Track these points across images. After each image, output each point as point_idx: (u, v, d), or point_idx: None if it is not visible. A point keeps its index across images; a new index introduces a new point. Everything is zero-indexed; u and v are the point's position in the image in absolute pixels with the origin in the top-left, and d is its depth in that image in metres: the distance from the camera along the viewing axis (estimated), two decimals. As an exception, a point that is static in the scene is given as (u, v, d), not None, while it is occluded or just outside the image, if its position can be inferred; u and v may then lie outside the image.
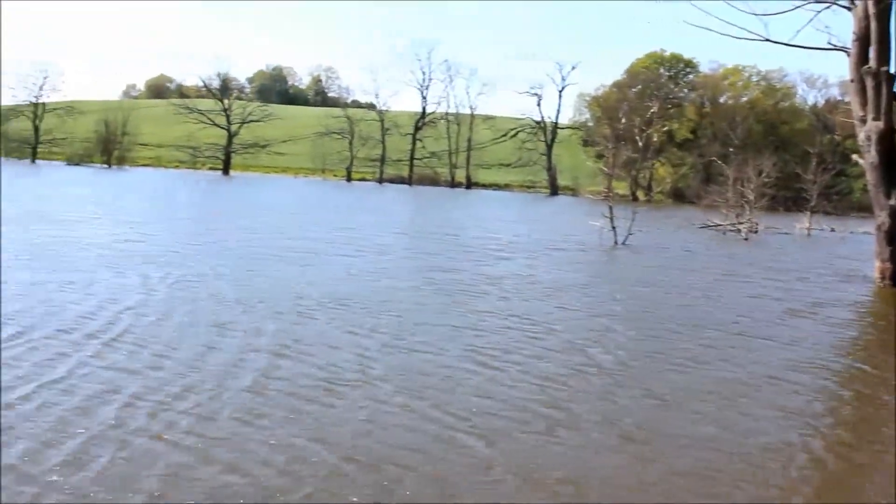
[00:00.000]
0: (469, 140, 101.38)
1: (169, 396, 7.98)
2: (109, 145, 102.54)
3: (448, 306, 14.48)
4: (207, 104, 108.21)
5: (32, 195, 37.69)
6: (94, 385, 8.19)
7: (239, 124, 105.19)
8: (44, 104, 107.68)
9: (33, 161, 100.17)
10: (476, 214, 45.81)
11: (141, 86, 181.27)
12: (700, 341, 12.59)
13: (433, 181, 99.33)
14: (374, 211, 44.08)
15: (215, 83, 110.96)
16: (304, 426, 7.39)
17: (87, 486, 5.83)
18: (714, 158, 69.74)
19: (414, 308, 14.07)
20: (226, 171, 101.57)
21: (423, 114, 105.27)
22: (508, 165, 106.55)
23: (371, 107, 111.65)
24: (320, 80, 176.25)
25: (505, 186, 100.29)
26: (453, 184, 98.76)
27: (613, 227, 29.30)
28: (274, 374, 9.05)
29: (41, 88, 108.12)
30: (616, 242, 28.44)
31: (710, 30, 20.84)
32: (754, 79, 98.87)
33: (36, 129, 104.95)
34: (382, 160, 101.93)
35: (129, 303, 12.64)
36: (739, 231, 39.23)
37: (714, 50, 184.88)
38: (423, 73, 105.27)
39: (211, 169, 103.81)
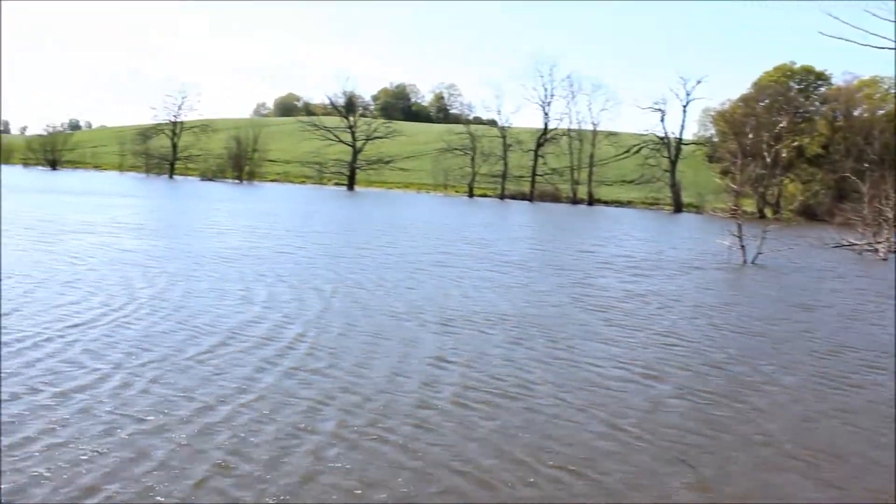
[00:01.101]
0: (591, 156, 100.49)
1: (379, 403, 8.45)
2: (241, 161, 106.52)
3: (603, 322, 14.71)
4: (333, 121, 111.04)
5: (200, 209, 39.61)
6: (311, 392, 8.75)
7: (364, 141, 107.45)
8: (181, 123, 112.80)
9: (171, 176, 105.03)
10: (604, 231, 45.55)
11: (270, 104, 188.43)
12: (873, 363, 12.34)
13: (554, 197, 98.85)
14: (503, 227, 44.44)
15: (341, 101, 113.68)
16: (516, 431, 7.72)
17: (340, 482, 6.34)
18: (848, 174, 67.21)
19: (570, 323, 14.31)
20: (350, 186, 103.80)
21: (545, 130, 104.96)
22: (631, 182, 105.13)
23: (493, 123, 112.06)
24: (442, 97, 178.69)
25: (627, 203, 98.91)
26: (575, 200, 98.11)
27: (742, 246, 28.68)
28: (472, 387, 9.46)
29: (180, 108, 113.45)
30: (745, 261, 27.77)
31: (849, 40, 19.86)
32: (893, 90, 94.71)
33: (174, 146, 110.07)
34: (504, 176, 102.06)
35: (309, 316, 13.37)
36: (877, 251, 37.66)
37: (848, 60, 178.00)
38: (545, 90, 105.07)
39: (336, 184, 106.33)
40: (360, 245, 26.17)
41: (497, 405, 8.82)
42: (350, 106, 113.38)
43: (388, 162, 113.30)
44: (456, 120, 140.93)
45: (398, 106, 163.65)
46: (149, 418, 7.51)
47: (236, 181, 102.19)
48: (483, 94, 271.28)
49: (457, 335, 12.44)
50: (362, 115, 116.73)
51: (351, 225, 36.88)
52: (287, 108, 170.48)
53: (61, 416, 7.38)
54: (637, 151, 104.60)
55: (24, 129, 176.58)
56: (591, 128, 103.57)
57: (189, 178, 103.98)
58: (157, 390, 8.35)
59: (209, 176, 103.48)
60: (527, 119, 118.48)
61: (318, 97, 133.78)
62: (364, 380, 9.26)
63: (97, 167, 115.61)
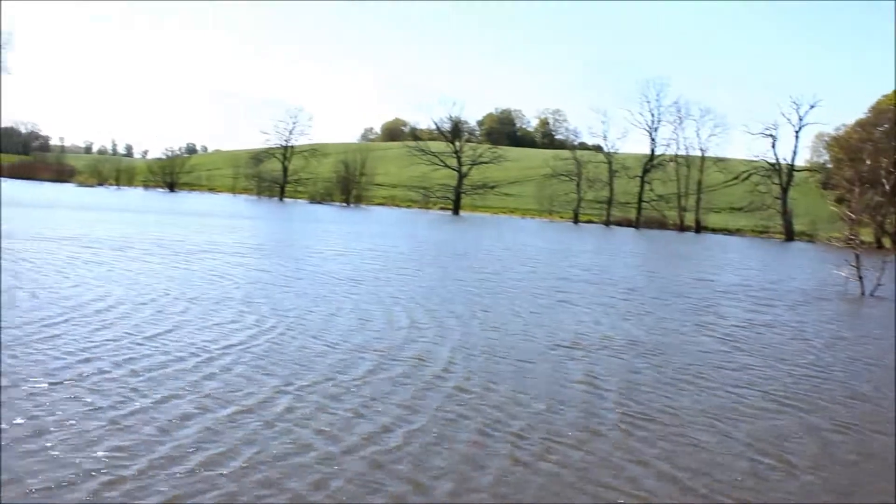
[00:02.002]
0: (699, 183, 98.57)
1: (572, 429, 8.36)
2: (348, 185, 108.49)
3: (734, 349, 14.33)
4: (439, 146, 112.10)
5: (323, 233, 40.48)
6: (477, 416, 8.71)
7: (469, 166, 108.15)
8: (292, 147, 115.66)
9: (281, 199, 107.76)
10: (717, 259, 44.47)
11: (377, 129, 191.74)
12: None
13: (661, 224, 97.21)
14: (614, 253, 43.92)
15: (447, 126, 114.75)
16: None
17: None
18: (971, 203, 64.00)
19: (701, 350, 13.94)
20: (456, 210, 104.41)
21: (652, 156, 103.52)
22: (739, 209, 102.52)
23: (598, 148, 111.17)
24: (548, 123, 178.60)
25: (735, 231, 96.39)
26: (682, 227, 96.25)
27: (860, 277, 27.40)
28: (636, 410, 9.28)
29: (290, 133, 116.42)
30: (864, 293, 26.50)
31: None
32: None
33: (284, 169, 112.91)
34: (610, 202, 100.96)
35: (452, 340, 13.33)
36: None
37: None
38: (652, 115, 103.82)
39: (441, 208, 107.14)
40: (479, 269, 26.15)
41: (653, 430, 8.71)
42: (456, 131, 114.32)
43: (493, 187, 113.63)
44: (561, 145, 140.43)
45: (503, 131, 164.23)
46: (318, 446, 7.45)
47: (344, 204, 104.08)
48: (589, 120, 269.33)
49: (598, 361, 12.27)
50: (468, 141, 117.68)
51: (464, 249, 36.93)
52: (394, 132, 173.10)
53: (238, 437, 7.40)
54: (746, 178, 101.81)
55: (145, 152, 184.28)
56: (698, 153, 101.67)
57: (298, 200, 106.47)
58: (323, 416, 8.32)
59: (318, 199, 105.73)
60: (633, 145, 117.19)
61: (424, 122, 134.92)
62: (522, 407, 9.15)
63: (211, 189, 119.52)
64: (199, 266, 21.19)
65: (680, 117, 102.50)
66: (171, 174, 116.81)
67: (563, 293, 21.09)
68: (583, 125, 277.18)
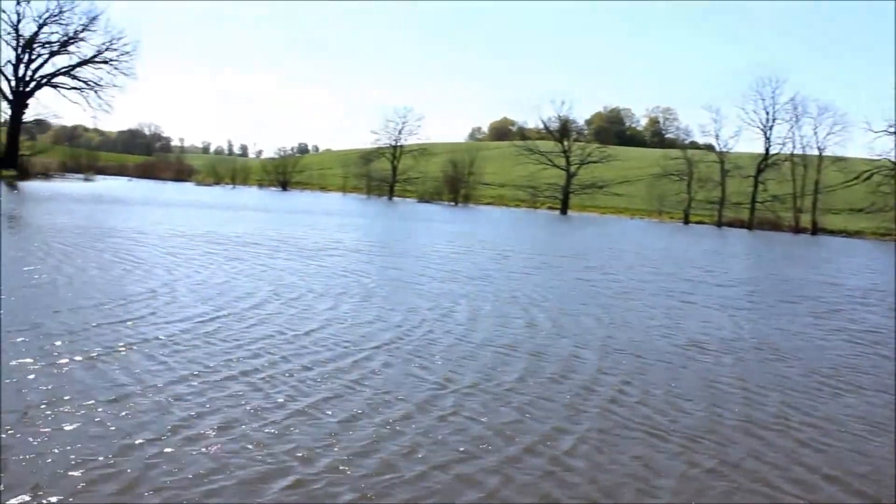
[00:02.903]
0: (816, 183, 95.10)
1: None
2: (457, 184, 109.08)
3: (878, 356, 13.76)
4: (548, 145, 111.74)
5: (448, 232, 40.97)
6: (643, 423, 8.64)
7: (577, 165, 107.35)
8: (401, 147, 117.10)
9: (390, 198, 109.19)
10: (840, 262, 42.86)
11: (485, 128, 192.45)
12: None
13: (775, 226, 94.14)
14: (731, 254, 42.86)
15: (555, 125, 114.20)
16: None
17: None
18: None
19: (842, 356, 13.45)
20: (564, 210, 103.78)
21: (767, 155, 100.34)
22: (860, 210, 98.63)
23: (710, 148, 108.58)
24: (657, 121, 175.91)
25: (855, 233, 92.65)
26: (797, 229, 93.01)
27: None
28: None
29: (400, 133, 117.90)
30: None
31: None
32: None
33: (394, 169, 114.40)
34: (722, 203, 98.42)
35: (595, 342, 13.17)
36: None
37: None
38: (767, 113, 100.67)
39: (549, 208, 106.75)
40: (600, 270, 25.93)
41: (814, 435, 8.54)
42: (564, 130, 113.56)
43: (601, 186, 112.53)
44: (671, 144, 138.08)
45: (612, 130, 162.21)
46: (497, 445, 7.41)
47: (452, 203, 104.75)
48: (700, 118, 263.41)
49: (739, 362, 11.99)
50: (576, 140, 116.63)
51: (582, 250, 36.72)
52: (502, 132, 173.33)
53: (415, 434, 7.45)
54: (868, 178, 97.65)
55: (259, 153, 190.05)
56: (816, 152, 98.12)
57: (407, 199, 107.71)
58: (491, 417, 8.29)
59: (426, 198, 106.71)
60: (747, 144, 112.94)
61: (532, 121, 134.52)
62: (682, 410, 9.03)
63: (322, 188, 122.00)
64: (329, 263, 21.63)
65: (796, 115, 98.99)
66: (284, 173, 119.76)
67: (688, 294, 20.71)
68: (694, 123, 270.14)
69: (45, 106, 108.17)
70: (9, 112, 79.83)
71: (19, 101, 79.64)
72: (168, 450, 6.54)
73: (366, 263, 22.53)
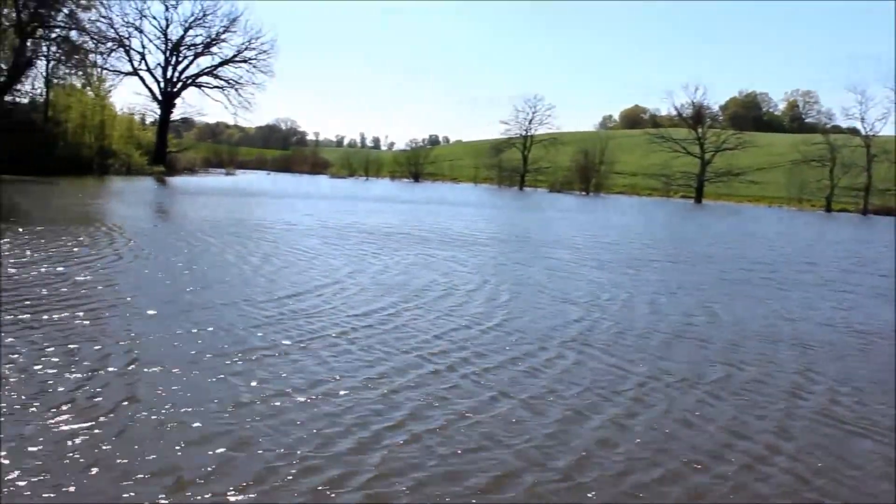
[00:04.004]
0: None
1: None
2: (588, 173, 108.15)
3: None
4: (681, 133, 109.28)
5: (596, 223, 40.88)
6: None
7: (712, 152, 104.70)
8: (532, 136, 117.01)
9: (521, 188, 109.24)
10: None
11: (616, 117, 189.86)
12: None
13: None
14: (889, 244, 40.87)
15: (689, 112, 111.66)
16: None
17: None
18: None
19: None
20: (698, 199, 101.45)
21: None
22: None
23: (855, 131, 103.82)
24: (797, 106, 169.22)
25: None
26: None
27: None
28: None
29: (530, 122, 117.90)
30: None
31: None
32: None
33: (524, 159, 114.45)
34: (867, 190, 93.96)
35: (787, 332, 12.67)
36: None
37: None
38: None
39: (683, 197, 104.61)
40: (756, 260, 25.29)
41: None
42: (698, 117, 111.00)
43: (737, 174, 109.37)
44: (812, 129, 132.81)
45: (748, 116, 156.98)
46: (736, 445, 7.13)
47: (583, 193, 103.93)
48: (844, 100, 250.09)
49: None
50: (711, 126, 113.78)
51: (730, 238, 35.86)
52: (633, 120, 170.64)
53: (643, 439, 7.27)
54: None
55: (391, 145, 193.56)
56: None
57: (538, 189, 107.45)
58: (712, 410, 8.04)
59: (557, 188, 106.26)
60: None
61: (664, 108, 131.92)
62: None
63: (453, 179, 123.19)
64: (485, 253, 21.72)
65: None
66: (416, 165, 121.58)
67: (874, 287, 19.92)
68: (837, 106, 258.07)
69: (191, 105, 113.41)
70: (158, 112, 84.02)
71: (167, 101, 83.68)
72: (404, 444, 6.59)
73: (518, 253, 22.62)
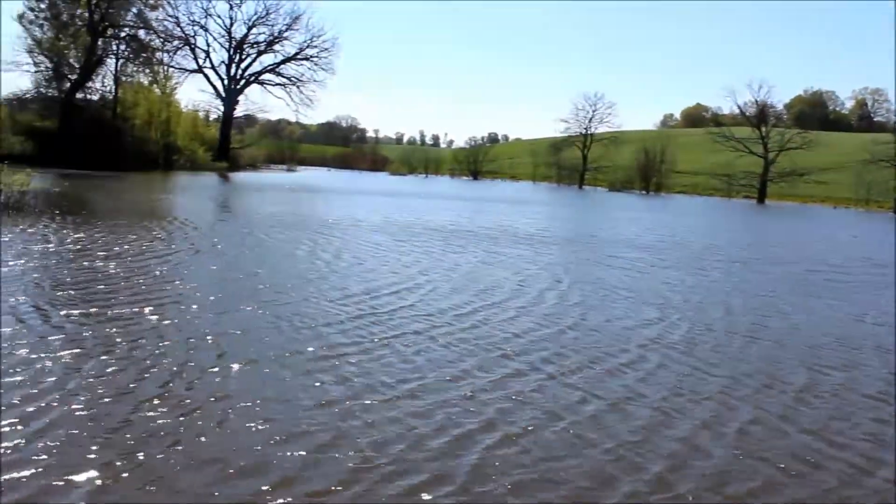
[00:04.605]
0: None
1: None
2: (648, 173, 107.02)
3: None
4: (744, 132, 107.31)
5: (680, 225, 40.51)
6: None
7: (776, 152, 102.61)
8: (592, 135, 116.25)
9: (580, 187, 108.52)
10: None
11: (678, 115, 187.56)
12: None
13: None
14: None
15: (752, 110, 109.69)
16: None
17: None
18: None
19: None
20: (761, 199, 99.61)
21: None
22: None
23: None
24: (865, 104, 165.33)
25: None
26: None
27: None
28: None
29: (590, 121, 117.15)
30: None
31: None
32: None
33: (584, 157, 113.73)
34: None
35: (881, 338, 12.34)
36: None
37: None
38: None
39: (745, 197, 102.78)
40: (823, 261, 24.63)
41: None
42: (762, 116, 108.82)
43: (802, 174, 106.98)
44: (881, 128, 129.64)
45: (814, 114, 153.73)
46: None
47: (643, 192, 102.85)
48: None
49: None
50: (775, 125, 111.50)
51: (805, 240, 35.12)
52: (695, 119, 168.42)
53: (734, 445, 7.09)
54: None
55: (450, 142, 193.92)
56: None
57: (597, 188, 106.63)
58: (818, 415, 7.82)
59: (617, 186, 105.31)
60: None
61: (727, 107, 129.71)
62: None
63: (513, 177, 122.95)
64: (551, 252, 21.55)
65: None
66: (475, 163, 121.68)
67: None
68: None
69: (253, 102, 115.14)
70: (222, 109, 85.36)
71: (231, 99, 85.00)
72: (497, 444, 6.51)
73: (585, 252, 22.40)
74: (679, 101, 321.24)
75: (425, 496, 5.46)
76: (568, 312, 12.67)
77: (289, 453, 5.96)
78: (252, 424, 6.49)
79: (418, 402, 7.40)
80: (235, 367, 8.10)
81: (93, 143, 52.39)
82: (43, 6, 59.64)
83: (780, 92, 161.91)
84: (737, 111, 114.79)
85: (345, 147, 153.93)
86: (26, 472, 5.28)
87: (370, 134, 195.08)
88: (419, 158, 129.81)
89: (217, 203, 35.02)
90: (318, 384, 7.74)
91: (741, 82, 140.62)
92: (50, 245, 16.03)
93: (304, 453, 5.99)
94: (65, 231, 18.37)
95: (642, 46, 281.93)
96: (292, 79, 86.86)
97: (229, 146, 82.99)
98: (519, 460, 6.21)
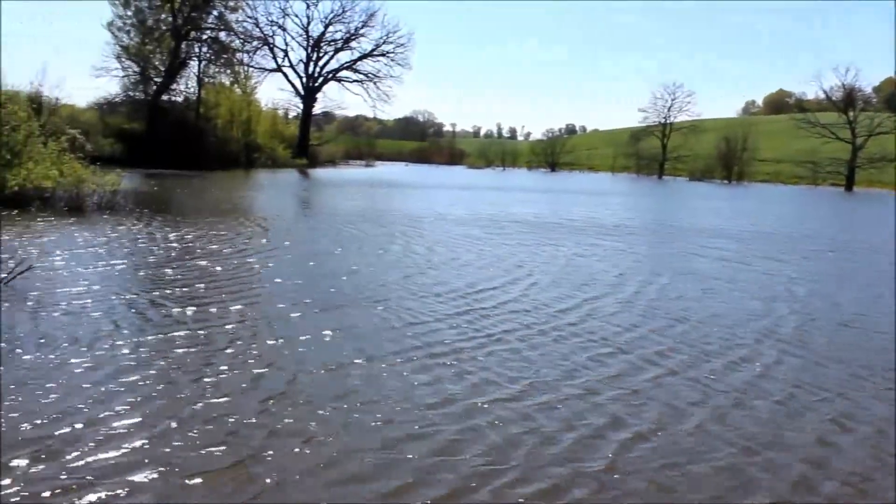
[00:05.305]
0: None
1: None
2: (730, 161, 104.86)
3: None
4: (830, 117, 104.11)
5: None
6: None
7: (865, 137, 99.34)
8: (671, 124, 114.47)
9: (660, 177, 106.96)
10: None
11: (760, 102, 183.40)
12: None
13: None
14: None
15: (838, 95, 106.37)
16: None
17: None
18: None
19: None
20: (849, 186, 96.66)
21: None
22: None
23: None
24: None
25: None
26: None
27: None
28: None
29: (669, 110, 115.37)
30: None
31: None
32: None
33: (663, 147, 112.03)
34: None
35: None
36: None
37: None
38: None
39: (832, 185, 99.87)
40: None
41: None
42: (849, 100, 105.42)
43: (893, 160, 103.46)
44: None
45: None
46: None
47: (725, 181, 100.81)
48: None
49: None
50: (863, 110, 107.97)
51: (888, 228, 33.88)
52: (778, 105, 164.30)
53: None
54: None
55: (527, 135, 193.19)
56: None
57: (677, 178, 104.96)
58: None
59: (697, 176, 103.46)
60: None
61: (811, 92, 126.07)
62: None
63: (591, 168, 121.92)
64: (642, 244, 21.35)
65: None
66: (552, 155, 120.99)
67: None
68: None
69: (331, 99, 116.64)
70: (300, 106, 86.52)
71: (309, 96, 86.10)
72: (629, 442, 6.34)
73: (678, 243, 21.87)
74: (761, 88, 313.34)
75: (562, 498, 5.31)
76: (672, 305, 12.37)
77: (414, 454, 5.85)
78: (375, 423, 6.42)
79: (540, 399, 7.25)
80: (352, 365, 8.04)
81: (177, 144, 53.65)
82: (129, 13, 61.30)
83: (868, 75, 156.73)
84: (822, 96, 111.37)
85: (422, 142, 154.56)
86: (147, 475, 5.26)
87: (447, 128, 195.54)
88: (496, 151, 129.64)
89: (301, 200, 35.44)
90: (436, 381, 7.65)
91: (826, 66, 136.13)
92: (145, 242, 16.36)
93: (429, 453, 5.89)
94: (155, 227, 18.76)
95: (722, 34, 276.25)
96: (369, 75, 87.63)
97: (308, 143, 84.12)
98: (653, 459, 6.02)
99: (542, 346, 9.25)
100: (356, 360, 8.18)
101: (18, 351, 7.84)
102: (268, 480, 5.26)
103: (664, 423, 6.82)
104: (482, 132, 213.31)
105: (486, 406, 6.98)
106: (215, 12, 66.11)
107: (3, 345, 7.97)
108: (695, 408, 7.26)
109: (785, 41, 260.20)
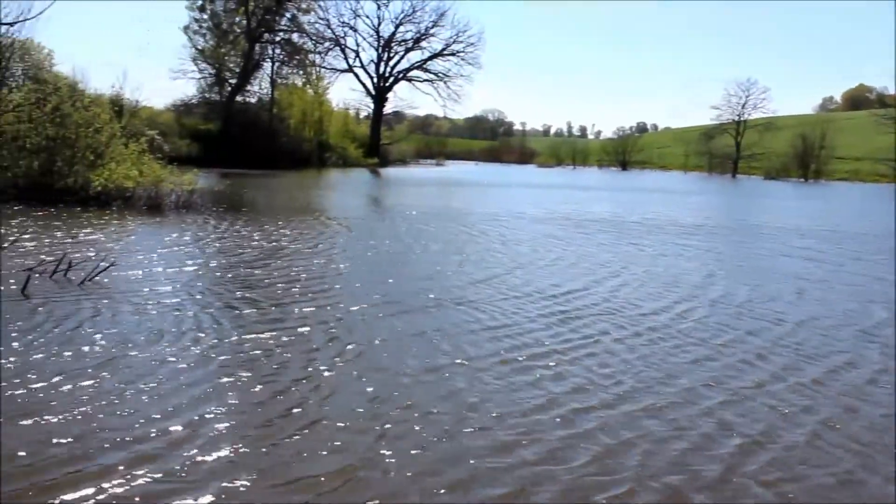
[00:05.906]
0: None
1: None
2: (806, 159, 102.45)
3: None
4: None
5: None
6: None
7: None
8: (745, 122, 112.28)
9: (733, 175, 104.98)
10: None
11: (838, 98, 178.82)
12: None
13: None
14: None
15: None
16: None
17: None
18: None
19: None
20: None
21: None
22: None
23: None
24: None
25: None
26: None
27: None
28: None
29: (743, 107, 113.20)
30: None
31: None
32: None
33: (737, 145, 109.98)
34: None
35: None
36: None
37: None
38: None
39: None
40: None
41: None
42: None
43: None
44: None
45: None
46: None
47: (801, 180, 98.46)
48: None
49: None
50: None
51: None
52: (857, 101, 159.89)
53: None
54: None
55: (598, 133, 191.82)
56: None
57: (751, 176, 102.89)
58: None
59: (773, 175, 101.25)
60: None
61: (893, 87, 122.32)
62: None
63: (662, 167, 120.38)
64: (727, 244, 20.93)
65: None
66: (623, 153, 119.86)
67: None
68: None
69: (402, 98, 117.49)
70: (371, 106, 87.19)
71: (380, 96, 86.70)
72: (738, 451, 6.13)
73: (766, 243, 21.36)
74: (839, 83, 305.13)
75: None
76: (767, 307, 12.03)
77: (523, 459, 5.72)
78: (482, 427, 6.30)
79: (644, 402, 7.09)
80: (453, 365, 7.97)
81: (251, 144, 54.50)
82: (205, 16, 62.60)
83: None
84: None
85: (492, 140, 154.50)
86: (245, 479, 5.22)
87: (517, 127, 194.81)
88: (566, 150, 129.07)
89: (376, 199, 35.61)
90: (538, 383, 7.53)
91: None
92: (227, 240, 16.56)
93: (538, 458, 5.75)
94: (238, 225, 19.01)
95: (798, 29, 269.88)
96: (439, 74, 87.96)
97: (379, 142, 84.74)
98: (769, 466, 5.83)
99: (638, 347, 9.06)
100: (456, 361, 8.11)
101: (115, 350, 7.95)
102: (378, 486, 5.17)
103: (775, 428, 6.60)
104: (552, 131, 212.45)
105: (591, 409, 6.85)
106: (288, 14, 67.15)
107: (103, 342, 8.09)
108: (805, 414, 7.00)
109: (866, 35, 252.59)
